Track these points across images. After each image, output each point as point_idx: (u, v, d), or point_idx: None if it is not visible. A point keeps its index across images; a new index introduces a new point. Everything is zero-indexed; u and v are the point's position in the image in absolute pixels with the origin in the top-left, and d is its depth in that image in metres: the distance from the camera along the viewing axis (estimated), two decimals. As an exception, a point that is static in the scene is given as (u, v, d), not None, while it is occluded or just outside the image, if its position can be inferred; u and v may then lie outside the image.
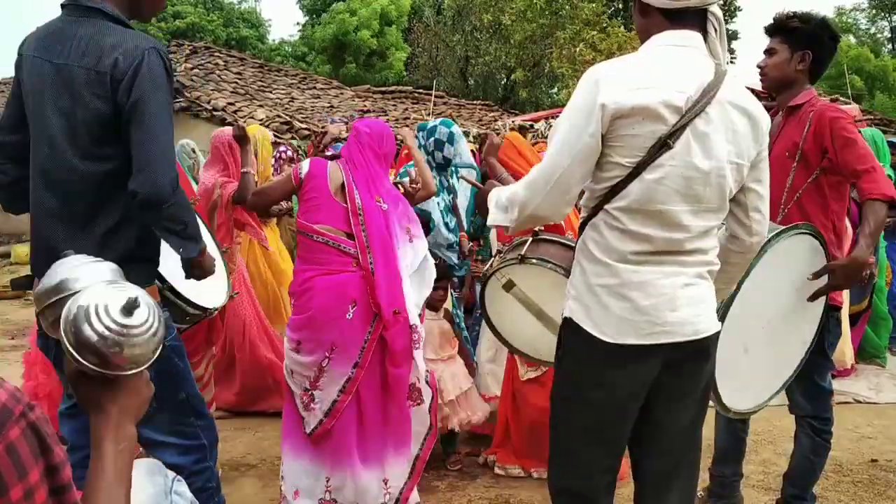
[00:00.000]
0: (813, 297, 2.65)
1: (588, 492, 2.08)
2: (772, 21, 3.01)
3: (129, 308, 1.27)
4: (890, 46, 34.87)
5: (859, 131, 6.10)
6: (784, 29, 2.96)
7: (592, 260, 1.98)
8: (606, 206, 1.94)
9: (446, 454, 4.05)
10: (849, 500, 3.65)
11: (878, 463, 4.15)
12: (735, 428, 3.34)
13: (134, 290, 1.31)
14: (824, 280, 2.70)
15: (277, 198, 3.49)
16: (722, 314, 2.25)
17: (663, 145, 1.85)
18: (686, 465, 2.13)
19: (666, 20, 1.96)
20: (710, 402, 2.68)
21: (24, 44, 2.29)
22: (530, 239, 2.51)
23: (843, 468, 4.06)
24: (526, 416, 3.81)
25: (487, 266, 2.62)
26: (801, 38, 2.92)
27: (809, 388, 3.01)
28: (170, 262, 2.40)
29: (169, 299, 2.45)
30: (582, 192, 2.06)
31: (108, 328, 1.25)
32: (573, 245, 2.24)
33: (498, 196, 2.12)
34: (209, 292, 2.71)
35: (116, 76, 2.08)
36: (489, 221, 2.16)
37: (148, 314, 1.29)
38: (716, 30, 1.96)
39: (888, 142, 6.98)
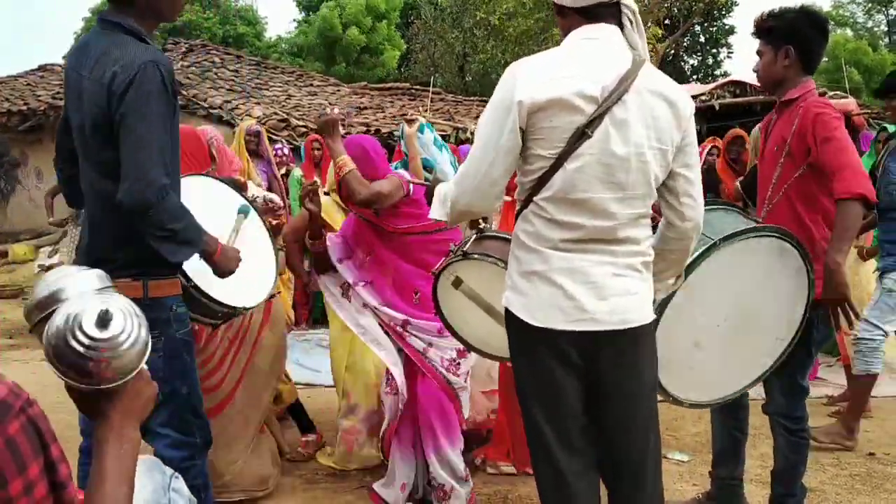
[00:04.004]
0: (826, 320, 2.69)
1: (561, 477, 2.08)
2: (753, 25, 3.05)
3: (103, 322, 1.27)
4: (887, 40, 34.86)
5: (884, 127, 6.03)
6: (763, 30, 3.00)
7: (524, 248, 2.06)
8: (535, 198, 2.02)
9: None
10: (846, 494, 3.66)
11: (875, 456, 4.18)
12: (729, 428, 3.29)
13: (107, 300, 1.31)
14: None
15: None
16: (660, 310, 2.30)
17: (582, 135, 1.92)
18: (649, 451, 2.14)
19: (582, 18, 2.05)
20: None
21: (68, 53, 2.43)
22: (474, 236, 2.60)
23: (841, 461, 4.08)
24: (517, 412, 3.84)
25: (438, 265, 2.67)
26: (779, 35, 2.94)
27: (787, 385, 2.96)
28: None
29: (194, 296, 2.50)
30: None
31: (84, 345, 1.25)
32: None
33: (438, 191, 2.23)
34: (247, 290, 2.75)
35: (113, 88, 2.14)
36: (430, 214, 2.25)
37: (124, 322, 1.29)
38: (631, 22, 2.04)
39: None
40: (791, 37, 2.92)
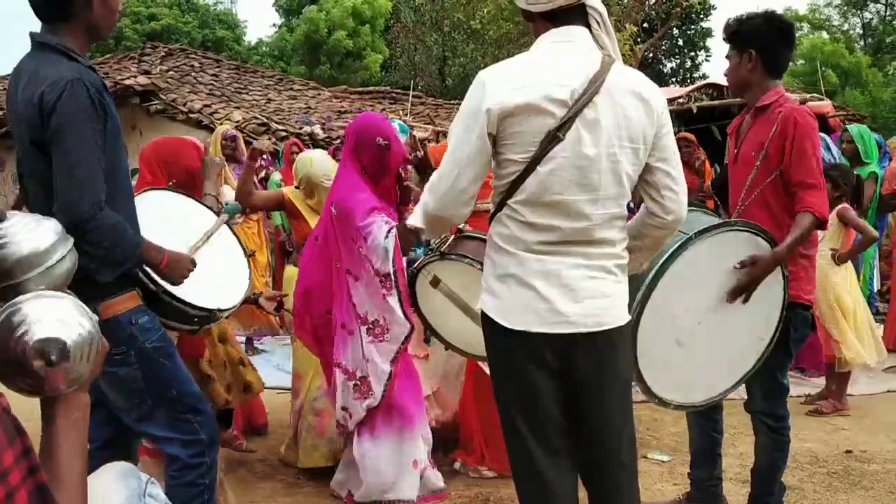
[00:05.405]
0: (733, 293, 2.62)
1: (540, 479, 2.08)
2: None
3: (55, 353, 1.21)
4: (863, 42, 35.29)
5: (846, 129, 6.11)
6: (730, 35, 3.05)
7: (499, 251, 2.06)
8: (508, 201, 2.02)
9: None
10: (824, 491, 3.69)
11: (852, 454, 4.21)
12: (705, 428, 3.30)
13: (62, 320, 1.25)
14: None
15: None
16: (639, 308, 2.31)
17: (553, 138, 1.93)
18: (625, 451, 2.14)
19: (548, 22, 2.05)
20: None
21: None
22: (453, 236, 2.59)
23: (819, 459, 4.12)
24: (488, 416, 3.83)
25: (416, 263, 2.68)
26: (743, 40, 2.99)
27: (767, 384, 2.99)
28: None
29: (164, 300, 2.47)
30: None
31: (33, 373, 1.20)
32: None
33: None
34: (221, 293, 2.74)
35: (43, 107, 2.16)
36: (408, 221, 2.28)
37: (74, 348, 1.23)
38: (598, 22, 2.04)
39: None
40: (754, 41, 2.96)
